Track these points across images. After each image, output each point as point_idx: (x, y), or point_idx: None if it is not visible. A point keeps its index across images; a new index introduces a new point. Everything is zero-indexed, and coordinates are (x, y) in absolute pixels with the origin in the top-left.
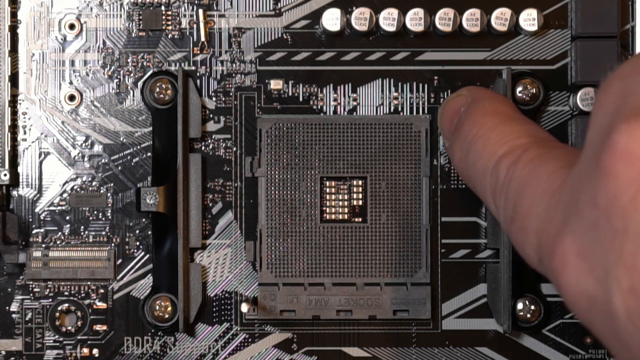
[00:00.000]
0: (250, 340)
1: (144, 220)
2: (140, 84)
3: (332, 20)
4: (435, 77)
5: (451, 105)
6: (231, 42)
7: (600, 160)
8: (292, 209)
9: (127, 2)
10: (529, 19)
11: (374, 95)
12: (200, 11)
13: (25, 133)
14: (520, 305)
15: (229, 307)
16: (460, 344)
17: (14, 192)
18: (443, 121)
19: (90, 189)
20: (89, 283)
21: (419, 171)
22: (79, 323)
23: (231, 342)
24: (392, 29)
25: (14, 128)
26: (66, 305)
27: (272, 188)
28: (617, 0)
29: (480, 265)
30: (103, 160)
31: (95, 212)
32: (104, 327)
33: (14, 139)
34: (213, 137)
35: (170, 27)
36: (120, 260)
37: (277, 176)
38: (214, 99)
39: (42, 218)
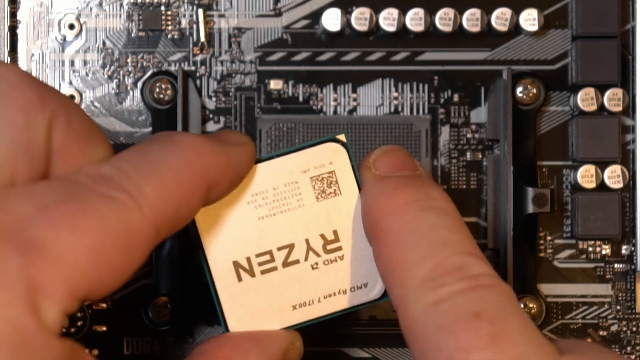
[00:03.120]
0: None
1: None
2: (140, 84)
3: (332, 20)
4: (435, 77)
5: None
6: (231, 42)
7: None
8: None
9: (126, 2)
10: (530, 19)
11: (374, 95)
12: (200, 11)
13: None
14: (520, 305)
15: None
16: None
17: None
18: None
19: None
20: None
21: None
22: (79, 323)
23: None
24: (392, 29)
25: None
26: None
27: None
28: (618, 0)
29: None
30: None
31: None
32: (104, 328)
33: None
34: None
35: (170, 27)
36: None
37: None
38: (213, 99)
39: None
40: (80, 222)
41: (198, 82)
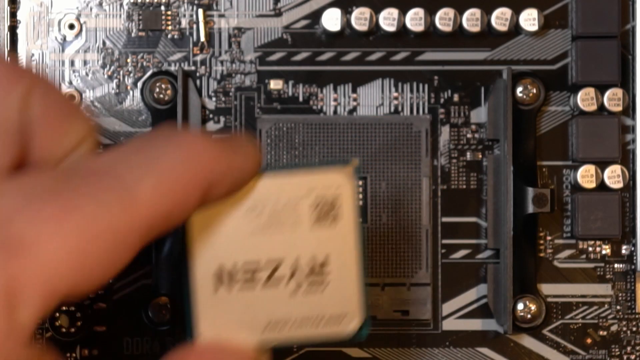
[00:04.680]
0: None
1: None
2: (140, 84)
3: (332, 20)
4: (435, 77)
5: None
6: (231, 42)
7: None
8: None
9: (126, 2)
10: (530, 19)
11: (374, 95)
12: (200, 11)
13: None
14: (520, 306)
15: None
16: (461, 344)
17: None
18: None
19: None
20: None
21: (419, 171)
22: (79, 323)
23: None
24: (392, 29)
25: None
26: (66, 305)
27: None
28: (618, 0)
29: (480, 265)
30: None
31: None
32: (104, 328)
33: None
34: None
35: (170, 27)
36: None
37: None
38: (213, 99)
39: None
40: (66, 221)
41: (198, 82)
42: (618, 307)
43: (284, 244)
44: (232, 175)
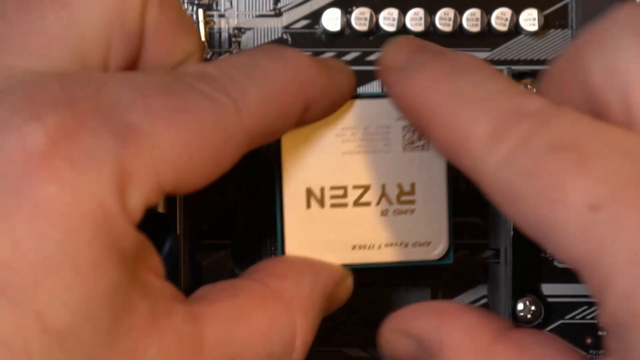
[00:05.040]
0: None
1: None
2: None
3: (332, 20)
4: None
5: None
6: (231, 42)
7: None
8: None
9: None
10: (530, 19)
11: None
12: (200, 11)
13: None
14: (520, 306)
15: None
16: None
17: None
18: None
19: None
20: None
21: None
22: None
23: None
24: (392, 29)
25: None
26: None
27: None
28: (618, 1)
29: (480, 265)
30: None
31: None
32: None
33: None
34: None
35: None
36: None
37: None
38: None
39: None
40: (178, 117)
41: None
42: None
43: (375, 166)
44: (330, 93)
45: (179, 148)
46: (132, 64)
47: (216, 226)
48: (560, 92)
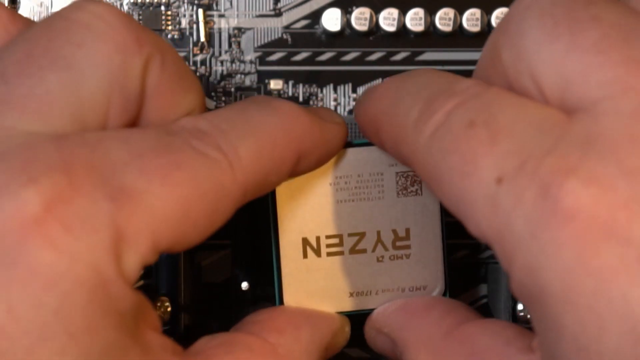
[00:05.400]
0: None
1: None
2: None
3: (332, 20)
4: None
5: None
6: (231, 42)
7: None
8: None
9: (126, 2)
10: None
11: None
12: (200, 11)
13: None
14: (520, 306)
15: (228, 308)
16: None
17: None
18: None
19: None
20: None
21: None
22: None
23: None
24: (392, 29)
25: None
26: None
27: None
28: None
29: (480, 265)
30: None
31: None
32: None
33: None
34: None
35: (170, 27)
36: None
37: None
38: (214, 99)
39: None
40: (172, 175)
41: None
42: None
43: (370, 213)
44: (322, 145)
45: (174, 206)
46: (131, 123)
47: None
48: (487, 82)
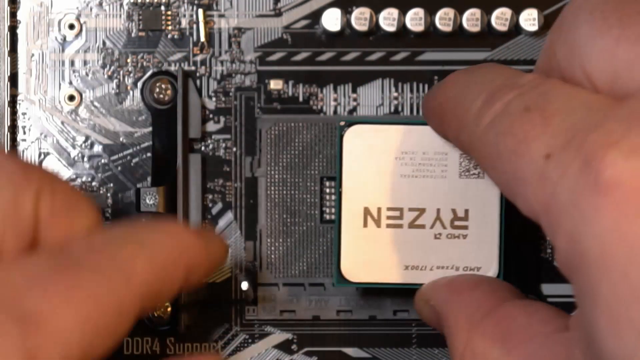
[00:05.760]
0: (250, 340)
1: (144, 220)
2: (140, 84)
3: (332, 20)
4: (435, 77)
5: None
6: (231, 42)
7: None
8: (292, 210)
9: (127, 2)
10: (530, 19)
11: (374, 95)
12: (200, 11)
13: (24, 133)
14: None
15: (228, 308)
16: None
17: None
18: None
19: (90, 189)
20: None
21: None
22: None
23: (231, 342)
24: (392, 29)
25: (13, 128)
26: None
27: (272, 188)
28: None
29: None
30: (103, 161)
31: None
32: None
33: (13, 140)
34: (213, 137)
35: (170, 27)
36: None
37: (277, 176)
38: (213, 99)
39: None
40: (73, 295)
41: (198, 82)
42: None
43: (431, 191)
44: (207, 260)
45: (79, 326)
46: (28, 247)
47: (216, 226)
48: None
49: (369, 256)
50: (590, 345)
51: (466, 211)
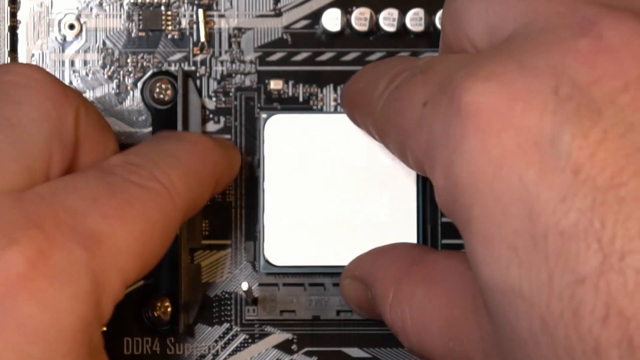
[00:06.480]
0: (250, 340)
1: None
2: (140, 84)
3: (332, 20)
4: None
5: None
6: (231, 42)
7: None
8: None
9: (127, 2)
10: None
11: None
12: (200, 11)
13: None
14: None
15: (228, 308)
16: None
17: None
18: None
19: None
20: None
21: None
22: None
23: (231, 342)
24: (392, 29)
25: None
26: None
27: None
28: None
29: None
30: None
31: None
32: (104, 327)
33: None
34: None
35: (170, 28)
36: None
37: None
38: (214, 99)
39: None
40: (127, 213)
41: (198, 82)
42: None
43: (352, 177)
44: (231, 167)
45: (135, 243)
46: (69, 169)
47: (216, 226)
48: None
49: (293, 241)
50: (476, 277)
51: (385, 194)
